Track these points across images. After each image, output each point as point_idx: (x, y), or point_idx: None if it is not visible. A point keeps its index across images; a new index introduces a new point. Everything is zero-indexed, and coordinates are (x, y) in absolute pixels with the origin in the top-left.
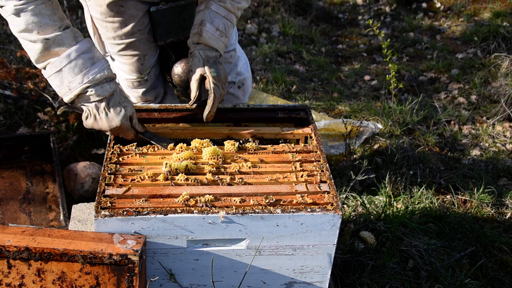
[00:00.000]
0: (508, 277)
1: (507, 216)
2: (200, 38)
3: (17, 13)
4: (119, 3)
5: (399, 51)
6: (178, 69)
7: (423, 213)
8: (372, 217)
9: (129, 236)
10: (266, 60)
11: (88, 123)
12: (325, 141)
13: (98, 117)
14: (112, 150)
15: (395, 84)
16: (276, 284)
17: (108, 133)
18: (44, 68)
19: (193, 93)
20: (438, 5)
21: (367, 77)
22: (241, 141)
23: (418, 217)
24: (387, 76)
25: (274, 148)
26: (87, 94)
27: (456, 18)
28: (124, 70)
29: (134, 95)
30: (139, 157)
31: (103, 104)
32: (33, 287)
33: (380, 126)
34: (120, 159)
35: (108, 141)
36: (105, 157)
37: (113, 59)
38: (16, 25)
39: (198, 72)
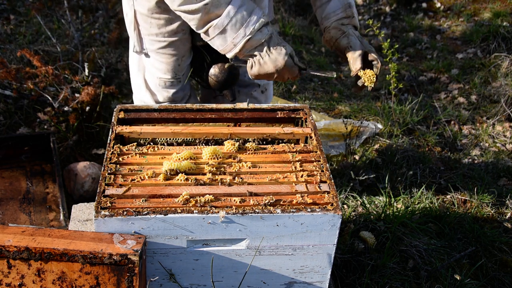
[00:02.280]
0: (508, 277)
1: (507, 216)
2: (351, 20)
3: None
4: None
5: (399, 51)
6: (215, 70)
7: (423, 213)
8: (372, 217)
9: (129, 236)
10: None
11: (254, 71)
12: (325, 141)
13: (262, 61)
14: (112, 150)
15: (395, 84)
16: (276, 284)
17: (274, 76)
18: (205, 33)
19: (358, 65)
20: (438, 5)
21: None
22: (241, 141)
23: (418, 217)
24: (387, 76)
25: (274, 148)
26: (249, 43)
27: (456, 18)
28: (159, 68)
29: (164, 95)
30: (139, 157)
31: (265, 48)
32: (33, 287)
33: (380, 126)
34: (120, 159)
35: (108, 141)
36: (105, 157)
37: (147, 56)
38: (176, 0)
39: (360, 48)
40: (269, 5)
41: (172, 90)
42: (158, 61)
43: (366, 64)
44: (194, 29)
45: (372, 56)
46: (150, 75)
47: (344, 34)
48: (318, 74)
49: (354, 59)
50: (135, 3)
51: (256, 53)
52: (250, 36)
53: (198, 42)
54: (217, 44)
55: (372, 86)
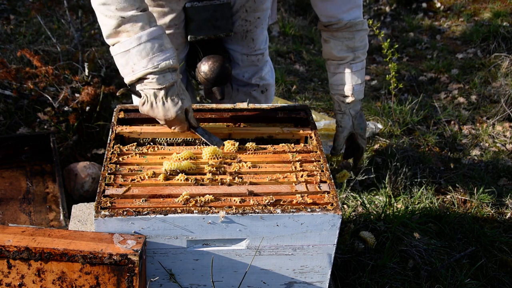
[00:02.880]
0: (508, 277)
1: (507, 216)
2: (352, 99)
3: None
4: None
5: (399, 51)
6: (204, 67)
7: (423, 213)
8: (372, 217)
9: (129, 236)
10: None
11: (144, 109)
12: (325, 141)
13: (154, 105)
14: (112, 150)
15: (395, 84)
16: (276, 284)
17: (162, 122)
18: (113, 45)
19: (339, 147)
20: (438, 5)
21: (367, 77)
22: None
23: (418, 217)
24: (387, 76)
25: (274, 148)
26: (148, 80)
27: (456, 18)
28: None
29: None
30: (139, 157)
31: (161, 93)
32: (33, 287)
33: (380, 126)
34: (120, 159)
35: (108, 141)
36: (105, 157)
37: None
38: None
39: (348, 130)
40: (272, 7)
41: None
42: None
43: (354, 144)
44: (104, 36)
45: (358, 141)
46: None
47: (340, 111)
48: (204, 139)
49: (337, 140)
50: None
51: (151, 93)
52: (151, 71)
53: (190, 37)
54: (119, 62)
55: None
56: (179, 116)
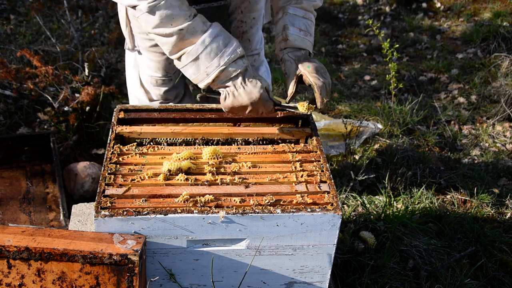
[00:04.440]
0: (508, 277)
1: (507, 216)
2: (287, 42)
3: (151, 10)
4: None
5: (399, 51)
6: None
7: (423, 213)
8: (372, 217)
9: (129, 236)
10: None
11: (227, 103)
12: (325, 141)
13: (236, 93)
14: (112, 150)
15: (395, 84)
16: (276, 284)
17: (248, 109)
18: (178, 59)
19: (290, 91)
20: (438, 5)
21: (367, 77)
22: (240, 141)
23: (418, 217)
24: (387, 76)
25: (274, 148)
26: (223, 73)
27: (456, 18)
28: (150, 67)
29: (156, 93)
30: (139, 157)
31: (239, 80)
32: (33, 287)
33: (380, 126)
34: (120, 159)
35: (108, 141)
36: (105, 157)
37: (140, 54)
38: (150, 22)
39: (293, 74)
40: (266, 7)
41: (164, 88)
42: (149, 59)
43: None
44: (167, 54)
45: (307, 79)
46: (143, 73)
47: (281, 60)
48: (290, 109)
49: (287, 86)
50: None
51: (230, 84)
52: (224, 67)
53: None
54: (189, 72)
55: (310, 112)
56: (263, 95)
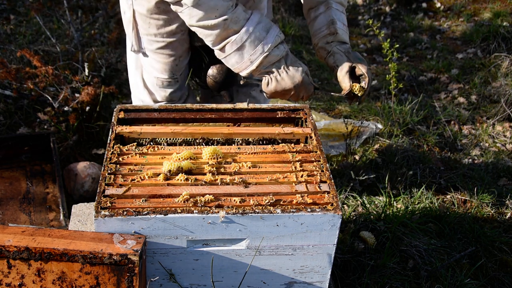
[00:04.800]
0: (508, 277)
1: (507, 216)
2: (336, 36)
3: (196, 4)
4: (167, 2)
5: (399, 51)
6: (213, 70)
7: (423, 213)
8: (372, 217)
9: (129, 236)
10: None
11: (270, 88)
12: (325, 141)
13: (279, 78)
14: (112, 150)
15: (395, 84)
16: (276, 284)
17: (291, 92)
18: (222, 49)
19: (346, 83)
20: (438, 5)
21: None
22: (240, 141)
23: (418, 217)
24: (387, 76)
25: (274, 148)
26: (267, 59)
27: (456, 18)
28: (156, 68)
29: (161, 94)
30: (139, 157)
31: (282, 64)
32: (33, 287)
33: (380, 126)
34: (120, 159)
35: (108, 141)
36: (105, 157)
37: (145, 55)
38: (195, 15)
39: (346, 65)
40: (268, 6)
41: (170, 90)
42: (155, 61)
43: (356, 78)
44: (210, 45)
45: (359, 70)
46: (147, 74)
47: (329, 53)
48: (331, 93)
49: (341, 78)
50: (134, 2)
51: (273, 69)
52: (268, 53)
53: (196, 42)
54: (232, 61)
55: (362, 94)
56: (305, 78)
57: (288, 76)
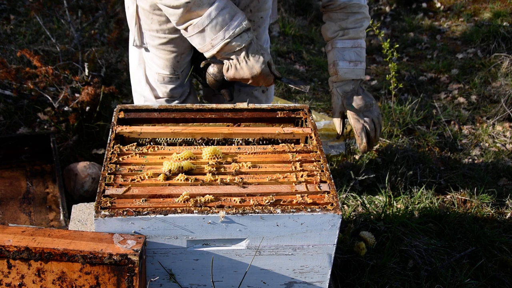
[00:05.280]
0: (508, 277)
1: (507, 216)
2: (337, 77)
3: None
4: None
5: (399, 51)
6: (214, 69)
7: (423, 213)
8: (372, 217)
9: (129, 236)
10: None
11: (229, 74)
12: (325, 141)
13: (239, 67)
14: (112, 150)
15: (395, 84)
16: (276, 284)
17: (249, 82)
18: (185, 30)
19: (337, 128)
20: (438, 5)
21: (367, 77)
22: (240, 141)
23: (418, 217)
24: (387, 76)
25: (274, 148)
26: (227, 46)
27: (456, 18)
28: (158, 64)
29: (162, 90)
30: (139, 157)
31: (243, 53)
32: (33, 287)
33: None
34: (120, 159)
35: (108, 141)
36: (105, 157)
37: (147, 51)
38: None
39: (338, 110)
40: (273, 6)
41: (171, 86)
42: (157, 57)
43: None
44: (174, 24)
45: (350, 120)
46: (149, 70)
47: (331, 91)
48: (292, 85)
49: (334, 122)
50: None
51: (233, 57)
52: (228, 40)
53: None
54: (195, 42)
55: (363, 151)
56: (264, 70)
57: (247, 66)
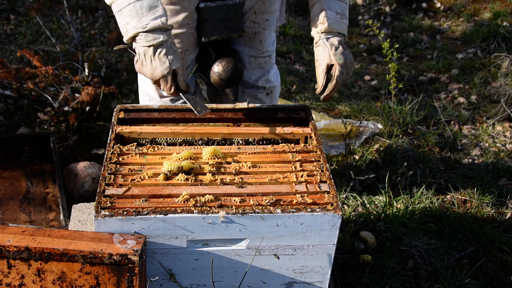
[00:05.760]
0: (508, 277)
1: (507, 216)
2: (325, 26)
3: None
4: None
5: (399, 51)
6: (218, 67)
7: (423, 213)
8: (372, 217)
9: (129, 236)
10: None
11: (136, 66)
12: (325, 141)
13: (144, 63)
14: (112, 150)
15: (395, 84)
16: (276, 284)
17: (151, 82)
18: (111, 5)
19: (320, 82)
20: (438, 5)
21: (367, 77)
22: (240, 141)
23: (418, 217)
24: (387, 76)
25: (274, 148)
26: (139, 37)
27: (456, 18)
28: None
29: None
30: (139, 157)
31: (150, 51)
32: (33, 287)
33: (380, 126)
34: (120, 159)
35: (108, 141)
36: (105, 157)
37: None
38: None
39: (325, 62)
40: (281, 9)
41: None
42: None
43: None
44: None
45: (334, 70)
46: None
47: (316, 44)
48: (189, 104)
49: (318, 75)
50: None
51: (142, 51)
52: (139, 31)
53: (204, 38)
54: (118, 20)
55: (326, 94)
56: (165, 76)
57: (150, 65)
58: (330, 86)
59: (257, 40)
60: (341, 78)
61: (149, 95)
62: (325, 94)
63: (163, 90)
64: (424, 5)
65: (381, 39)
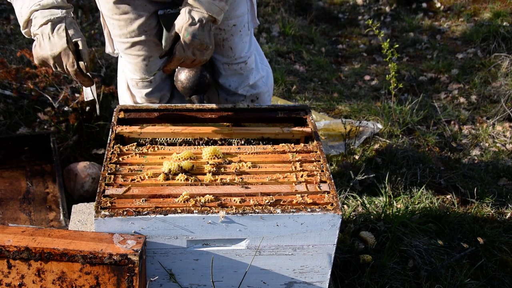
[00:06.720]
0: (508, 277)
1: (507, 216)
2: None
3: None
4: (125, 1)
5: (399, 51)
6: (181, 75)
7: (423, 213)
8: (372, 217)
9: (129, 236)
10: None
11: (34, 53)
12: (325, 141)
13: (42, 43)
14: (112, 150)
15: (395, 84)
16: (276, 284)
17: (51, 63)
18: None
19: (165, 48)
20: (438, 5)
21: (367, 77)
22: (241, 141)
23: (418, 217)
24: (387, 76)
25: (274, 148)
26: (33, 17)
27: (456, 18)
28: (129, 69)
29: (139, 95)
30: (139, 157)
31: (48, 28)
32: (33, 287)
33: (380, 126)
34: (120, 159)
35: (108, 141)
36: (105, 157)
37: (121, 56)
38: None
39: (173, 30)
40: (252, 11)
41: (145, 91)
42: (127, 62)
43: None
44: None
45: (177, 45)
46: (125, 75)
47: (179, 9)
48: (90, 91)
49: (166, 40)
50: (99, 5)
51: (39, 31)
52: (34, 8)
53: (165, 46)
54: (15, 11)
55: (164, 72)
56: (65, 49)
57: (49, 43)
58: (169, 59)
59: (227, 47)
60: (182, 55)
61: (125, 102)
62: (165, 66)
63: (66, 70)
64: (424, 5)
65: (381, 39)
